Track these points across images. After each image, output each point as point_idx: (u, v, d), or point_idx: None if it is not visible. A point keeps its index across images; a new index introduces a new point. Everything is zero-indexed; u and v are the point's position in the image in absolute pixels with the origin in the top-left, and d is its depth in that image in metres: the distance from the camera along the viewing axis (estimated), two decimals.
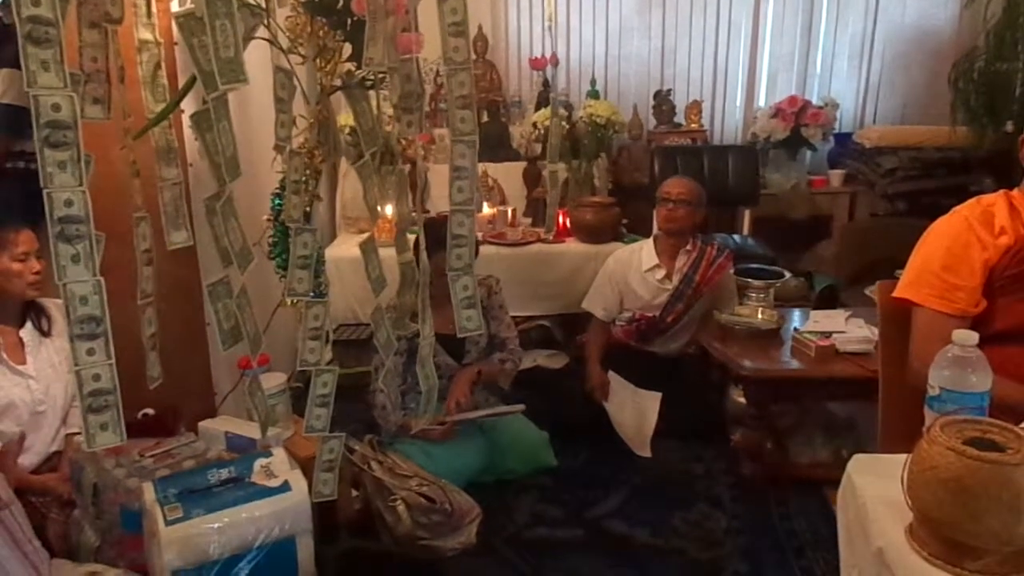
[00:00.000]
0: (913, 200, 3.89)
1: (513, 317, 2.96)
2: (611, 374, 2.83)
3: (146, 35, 1.58)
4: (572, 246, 3.37)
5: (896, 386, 1.60)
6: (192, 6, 1.26)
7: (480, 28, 4.15)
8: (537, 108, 4.09)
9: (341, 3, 1.70)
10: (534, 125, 3.88)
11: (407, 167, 3.63)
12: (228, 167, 1.40)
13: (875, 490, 1.04)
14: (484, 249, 3.31)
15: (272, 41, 1.65)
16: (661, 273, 2.87)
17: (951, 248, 1.53)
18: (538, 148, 3.86)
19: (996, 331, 1.50)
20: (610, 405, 2.78)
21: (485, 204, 3.62)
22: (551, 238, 3.38)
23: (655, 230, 3.00)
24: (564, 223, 3.44)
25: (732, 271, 2.83)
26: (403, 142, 3.59)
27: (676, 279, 2.85)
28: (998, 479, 0.83)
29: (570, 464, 2.62)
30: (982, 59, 3.80)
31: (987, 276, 1.50)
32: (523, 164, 3.82)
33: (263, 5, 1.57)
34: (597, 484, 2.51)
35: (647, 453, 2.67)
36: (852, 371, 2.27)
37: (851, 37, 4.40)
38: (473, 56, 4.32)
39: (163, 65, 1.60)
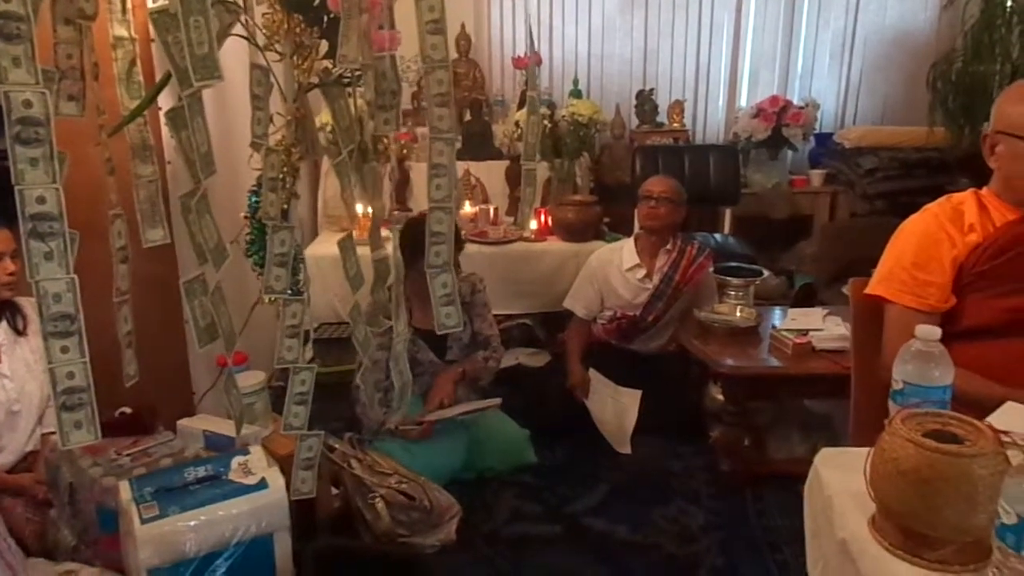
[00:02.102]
0: (892, 200, 3.93)
1: (495, 315, 2.97)
2: (591, 372, 2.85)
3: (121, 31, 1.57)
4: (554, 244, 3.37)
5: (868, 381, 1.62)
6: (166, 3, 1.26)
7: (463, 27, 4.15)
8: (520, 107, 4.09)
9: (317, 0, 1.70)
10: (516, 124, 3.89)
11: (388, 165, 3.64)
12: (202, 164, 1.40)
13: (840, 483, 1.05)
14: (466, 247, 3.32)
15: (248, 38, 1.65)
16: (642, 272, 2.89)
17: (922, 245, 1.56)
18: (521, 147, 3.86)
19: (965, 327, 1.52)
20: (590, 403, 2.80)
21: (467, 202, 3.62)
22: (532, 236, 3.39)
23: (636, 229, 3.02)
24: (545, 222, 3.45)
25: (712, 270, 2.85)
26: (385, 140, 3.61)
27: (656, 278, 2.87)
28: (956, 471, 0.85)
29: (550, 461, 2.63)
30: (960, 61, 3.85)
31: (956, 273, 1.52)
32: (506, 163, 3.82)
33: (239, 2, 1.57)
34: (577, 481, 2.52)
35: (627, 450, 2.69)
36: (828, 368, 2.29)
37: (832, 38, 4.44)
38: (456, 55, 4.30)
39: (139, 62, 1.60)
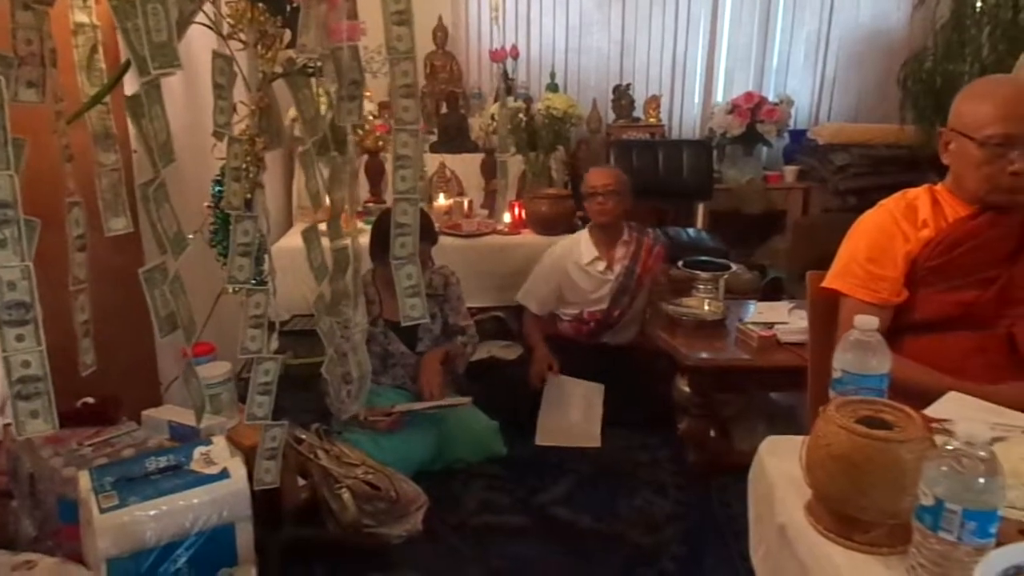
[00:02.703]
0: (863, 196, 3.97)
1: (468, 308, 2.98)
2: (551, 377, 2.84)
3: (82, 18, 1.56)
4: (527, 238, 3.39)
5: (824, 373, 1.63)
6: None
7: (440, 19, 4.15)
8: (496, 100, 4.10)
9: None
10: (492, 117, 3.89)
11: (363, 157, 3.63)
12: (162, 153, 1.40)
13: (781, 469, 1.08)
14: (440, 240, 3.32)
15: (211, 26, 1.64)
16: (602, 264, 2.91)
17: (876, 240, 1.58)
18: (496, 140, 3.87)
19: (917, 320, 1.55)
20: (542, 417, 2.78)
21: (442, 195, 3.62)
22: (506, 229, 3.40)
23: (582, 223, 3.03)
24: (519, 215, 3.46)
25: (681, 263, 2.87)
26: (360, 132, 3.60)
27: (618, 270, 2.88)
28: (884, 456, 0.87)
29: (520, 453, 2.65)
30: (930, 59, 3.90)
31: (909, 267, 1.55)
32: (481, 156, 3.83)
33: None
34: (545, 472, 2.54)
35: (597, 443, 2.70)
36: (793, 361, 2.32)
37: (807, 36, 4.48)
38: (433, 47, 4.29)
39: (100, 48, 1.59)
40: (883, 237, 1.58)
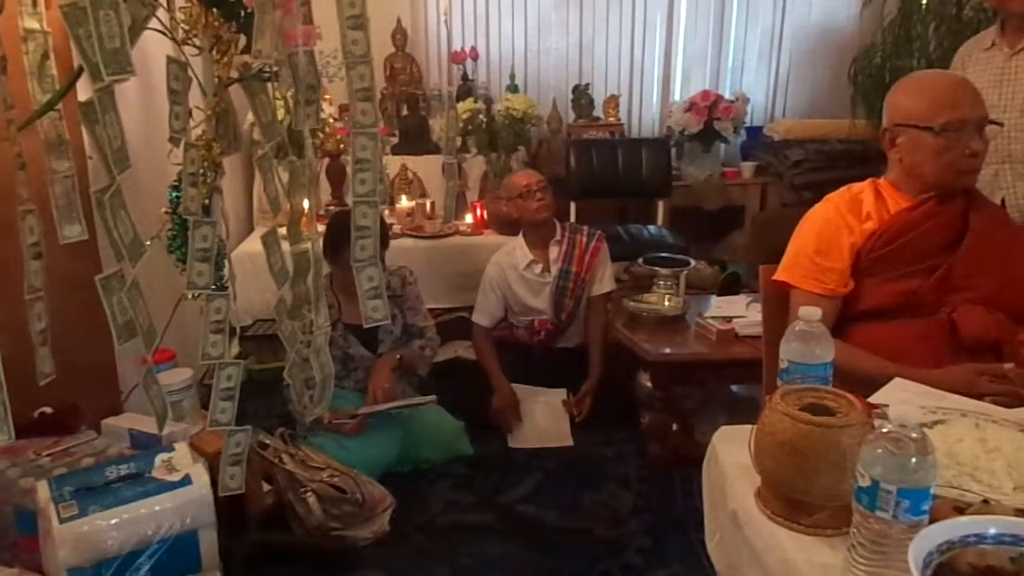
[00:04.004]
0: (818, 190, 3.99)
1: (432, 309, 2.99)
2: (514, 386, 2.84)
3: (32, 24, 1.55)
4: (490, 238, 3.41)
5: (778, 364, 1.69)
6: None
7: (399, 21, 4.15)
8: (458, 101, 4.11)
9: None
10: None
11: (323, 160, 3.62)
12: (116, 159, 1.39)
13: (733, 457, 1.11)
14: (402, 242, 3.34)
15: (164, 31, 1.64)
16: (539, 267, 2.91)
17: (823, 233, 1.63)
18: (458, 141, 3.88)
19: (863, 309, 1.60)
20: (520, 426, 2.78)
21: (404, 197, 3.63)
22: (468, 230, 3.42)
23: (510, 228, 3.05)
24: (481, 215, 3.48)
25: (641, 260, 2.92)
26: (321, 135, 3.58)
27: (554, 271, 2.89)
28: (826, 441, 0.91)
29: (485, 452, 2.67)
30: (879, 56, 4.01)
31: (854, 258, 1.60)
32: (443, 157, 3.83)
33: None
34: (511, 470, 2.57)
35: (570, 443, 2.73)
36: (750, 353, 2.37)
37: (761, 34, 4.56)
38: (392, 49, 4.28)
39: (51, 55, 1.57)
40: (829, 230, 1.63)
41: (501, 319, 3.00)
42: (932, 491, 0.81)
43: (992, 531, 0.79)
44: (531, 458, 2.64)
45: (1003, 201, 2.60)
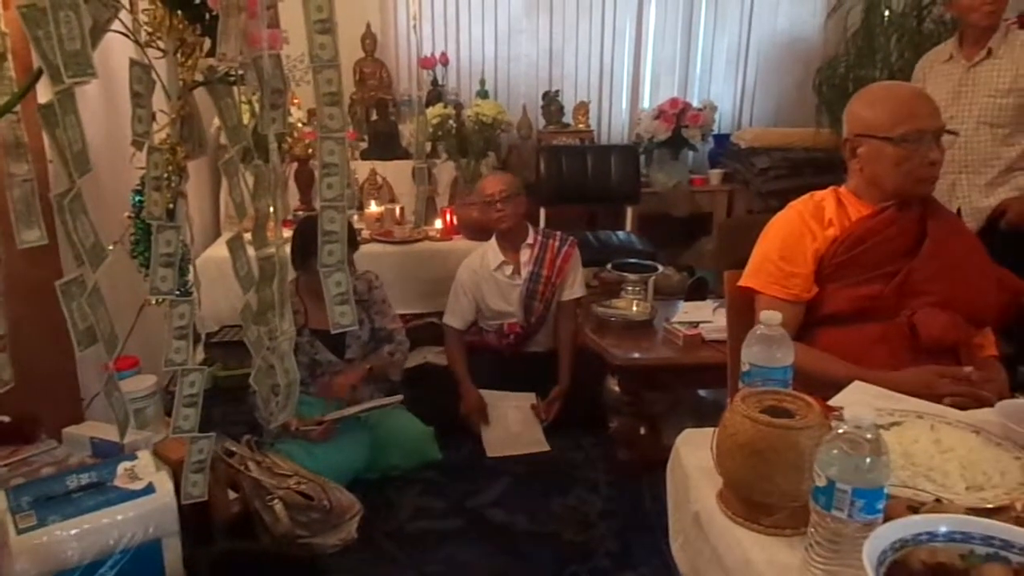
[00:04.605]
0: (784, 197, 4.05)
1: (401, 315, 2.98)
2: (483, 392, 2.86)
3: None
4: (459, 243, 3.41)
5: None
6: None
7: (368, 26, 4.14)
8: (427, 106, 4.11)
9: None
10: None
11: (292, 164, 3.59)
12: (77, 163, 1.37)
13: (696, 460, 1.13)
14: (371, 247, 3.32)
15: (126, 33, 1.62)
16: (509, 269, 2.93)
17: (787, 239, 1.66)
18: (428, 146, 3.88)
19: (826, 314, 1.63)
20: (487, 432, 2.79)
21: (373, 202, 3.61)
22: (438, 236, 3.42)
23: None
24: (451, 221, 3.48)
25: (610, 266, 2.94)
26: (290, 139, 3.56)
27: (524, 274, 2.91)
28: (784, 442, 0.93)
29: (455, 457, 2.66)
30: (843, 66, 4.09)
31: (817, 264, 1.63)
32: (412, 162, 3.83)
33: None
34: (480, 475, 2.56)
35: (546, 448, 2.73)
36: (717, 358, 2.39)
37: (728, 43, 4.62)
38: (362, 54, 4.26)
39: (9, 56, 1.55)
40: (793, 236, 1.66)
41: (472, 322, 3.00)
42: (886, 491, 0.83)
43: (943, 529, 0.82)
44: (500, 463, 2.65)
45: (959, 210, 2.67)
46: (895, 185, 1.58)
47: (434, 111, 3.90)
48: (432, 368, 3.23)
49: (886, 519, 0.84)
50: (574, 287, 2.94)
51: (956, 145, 2.71)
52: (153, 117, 1.64)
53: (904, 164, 1.55)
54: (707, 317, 2.62)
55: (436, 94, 4.15)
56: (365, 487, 2.40)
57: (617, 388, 2.57)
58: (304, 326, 2.53)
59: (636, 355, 2.49)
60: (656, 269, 2.90)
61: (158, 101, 1.64)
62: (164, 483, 1.69)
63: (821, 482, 0.82)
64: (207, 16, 1.72)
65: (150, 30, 1.74)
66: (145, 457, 1.76)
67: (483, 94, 4.25)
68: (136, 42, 1.66)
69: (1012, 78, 2.54)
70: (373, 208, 3.57)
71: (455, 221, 3.49)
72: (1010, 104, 2.56)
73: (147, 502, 1.64)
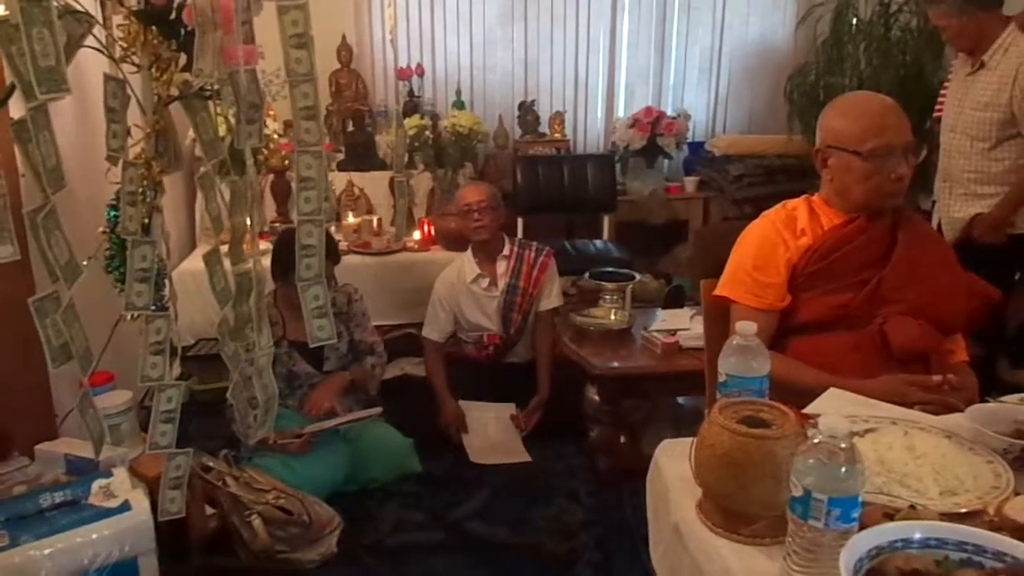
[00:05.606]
0: (758, 204, 4.13)
1: (379, 326, 2.97)
2: (462, 403, 2.86)
3: None
4: (437, 254, 3.41)
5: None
6: (7, 12, 1.22)
7: (344, 38, 4.13)
8: (404, 117, 4.11)
9: (174, 14, 1.68)
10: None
11: (268, 177, 3.58)
12: (51, 178, 1.36)
13: (675, 470, 1.14)
14: (349, 258, 3.31)
15: (100, 49, 1.61)
16: (486, 281, 2.93)
17: (760, 249, 1.68)
18: (405, 157, 3.87)
19: (800, 323, 1.65)
20: (468, 440, 2.80)
21: (351, 213, 3.61)
22: (416, 246, 3.42)
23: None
24: (428, 231, 3.49)
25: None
26: (265, 152, 3.54)
27: (501, 285, 2.91)
28: (762, 452, 0.94)
29: (435, 469, 2.65)
30: (813, 73, 4.16)
31: (790, 274, 1.65)
32: (390, 173, 3.82)
33: (91, 12, 1.53)
34: (461, 487, 2.56)
35: (527, 458, 2.73)
36: (694, 365, 2.41)
37: (700, 53, 4.67)
38: (338, 65, 4.25)
39: None
40: (766, 246, 1.68)
41: (451, 334, 3.00)
42: (862, 498, 0.85)
43: (917, 536, 0.83)
44: (481, 474, 2.64)
45: (939, 224, 2.72)
46: (862, 198, 1.61)
47: (410, 122, 3.90)
48: (410, 379, 3.22)
49: (862, 526, 0.86)
50: (551, 297, 2.95)
51: (945, 155, 2.76)
52: (128, 132, 1.63)
53: (872, 178, 1.58)
54: (684, 325, 2.65)
55: (412, 105, 4.15)
56: (345, 500, 2.39)
57: (596, 397, 2.58)
58: (282, 338, 2.52)
59: (615, 364, 2.51)
60: (633, 278, 2.92)
61: (133, 116, 1.63)
62: (140, 500, 1.67)
63: (798, 492, 0.84)
64: (182, 32, 1.71)
65: (125, 45, 1.73)
66: (121, 474, 1.74)
67: (459, 105, 4.26)
68: (110, 57, 1.65)
69: (993, 92, 2.53)
70: (350, 219, 3.56)
71: (432, 232, 3.49)
72: (988, 118, 2.55)
73: (122, 520, 1.62)
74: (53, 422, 2.27)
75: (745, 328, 1.14)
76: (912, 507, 0.95)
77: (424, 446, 2.68)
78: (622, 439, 2.60)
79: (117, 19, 1.66)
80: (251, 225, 1.74)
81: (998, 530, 0.89)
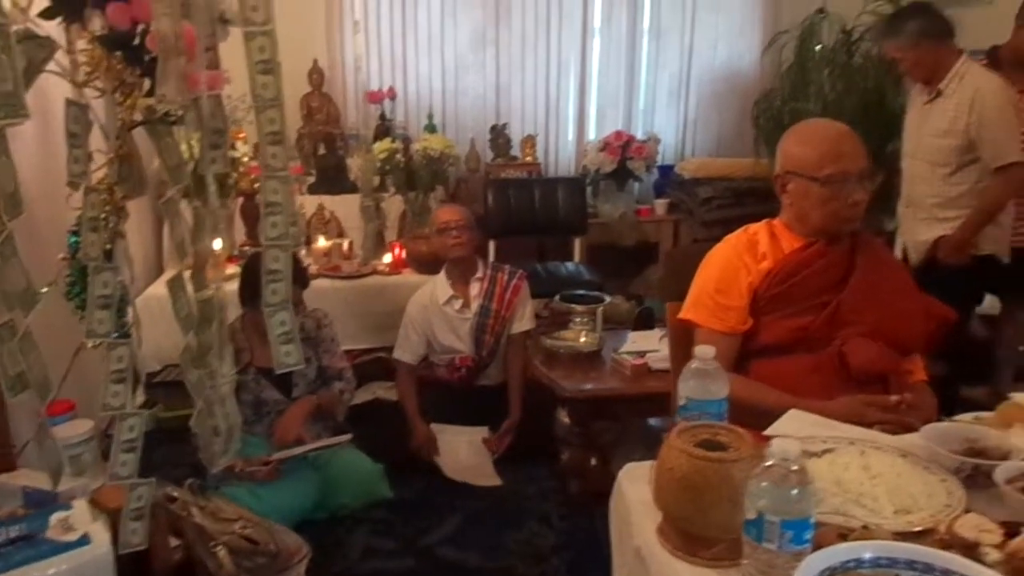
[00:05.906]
0: (727, 226, 4.16)
1: (350, 350, 2.96)
2: (434, 426, 2.86)
3: None
4: (408, 277, 3.41)
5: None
6: None
7: (315, 62, 4.15)
8: (375, 141, 4.12)
9: (137, 40, 1.68)
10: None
11: (239, 200, 3.56)
12: (8, 205, 1.35)
13: (637, 494, 1.14)
14: (319, 282, 3.30)
15: (62, 74, 1.60)
16: (459, 303, 2.93)
17: (723, 273, 1.71)
18: (376, 180, 3.88)
19: (762, 345, 1.67)
20: (441, 459, 2.80)
21: (321, 237, 3.60)
22: (387, 270, 3.41)
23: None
24: (400, 254, 3.49)
25: (558, 297, 2.96)
26: (235, 175, 3.52)
27: (474, 307, 2.92)
28: (719, 475, 0.95)
29: (406, 494, 2.64)
30: (779, 99, 4.24)
31: (752, 297, 1.67)
32: (360, 197, 3.82)
33: (53, 37, 1.53)
34: (432, 512, 2.54)
35: (497, 481, 2.72)
36: (663, 387, 2.41)
37: (669, 78, 4.75)
38: (309, 88, 4.25)
39: None
40: (728, 270, 1.70)
41: (423, 357, 2.99)
42: (813, 520, 0.86)
43: (868, 555, 0.84)
44: (452, 498, 2.63)
45: (903, 248, 2.78)
46: (820, 223, 1.64)
47: (382, 145, 3.90)
48: (381, 404, 3.21)
49: (817, 547, 0.87)
50: (523, 320, 2.96)
51: (907, 180, 2.83)
52: (90, 157, 1.62)
53: (829, 204, 1.61)
54: (654, 346, 2.66)
55: (384, 128, 4.16)
56: (313, 528, 2.36)
57: (567, 419, 2.58)
58: (249, 364, 2.50)
59: (586, 386, 2.52)
60: (603, 300, 2.94)
61: (96, 141, 1.62)
62: (100, 533, 1.63)
63: (752, 515, 0.85)
64: (146, 57, 1.71)
65: (88, 70, 1.72)
66: (81, 506, 1.70)
67: (431, 128, 4.29)
68: (72, 82, 1.65)
69: (951, 119, 2.60)
70: (321, 243, 3.55)
71: (404, 255, 3.49)
72: (947, 145, 2.62)
73: (81, 554, 1.58)
74: (11, 453, 2.22)
75: (703, 352, 1.15)
76: (865, 527, 0.97)
77: (395, 471, 2.66)
78: (593, 461, 2.60)
79: (80, 44, 1.66)
80: (213, 253, 1.73)
81: (948, 548, 0.91)
